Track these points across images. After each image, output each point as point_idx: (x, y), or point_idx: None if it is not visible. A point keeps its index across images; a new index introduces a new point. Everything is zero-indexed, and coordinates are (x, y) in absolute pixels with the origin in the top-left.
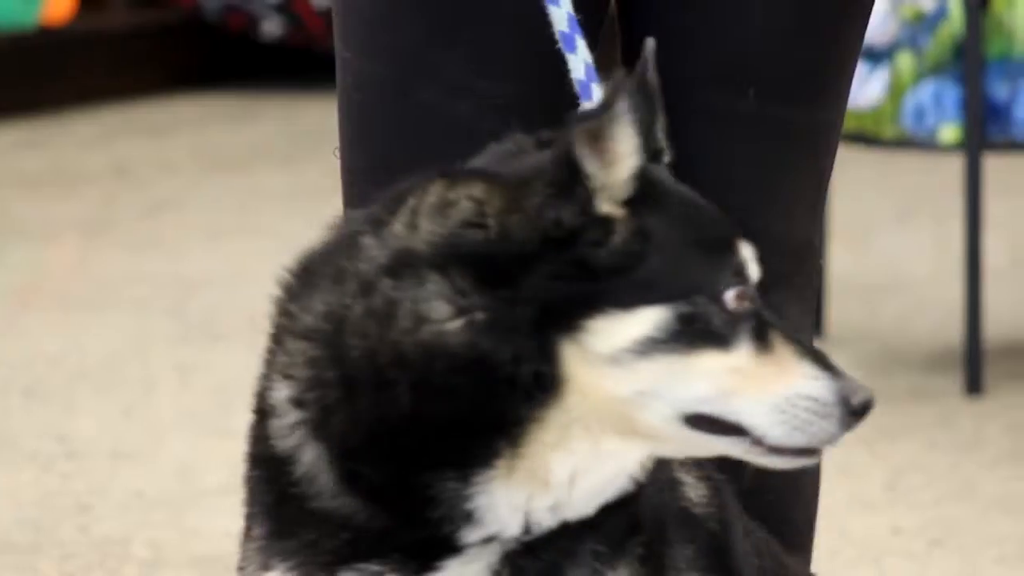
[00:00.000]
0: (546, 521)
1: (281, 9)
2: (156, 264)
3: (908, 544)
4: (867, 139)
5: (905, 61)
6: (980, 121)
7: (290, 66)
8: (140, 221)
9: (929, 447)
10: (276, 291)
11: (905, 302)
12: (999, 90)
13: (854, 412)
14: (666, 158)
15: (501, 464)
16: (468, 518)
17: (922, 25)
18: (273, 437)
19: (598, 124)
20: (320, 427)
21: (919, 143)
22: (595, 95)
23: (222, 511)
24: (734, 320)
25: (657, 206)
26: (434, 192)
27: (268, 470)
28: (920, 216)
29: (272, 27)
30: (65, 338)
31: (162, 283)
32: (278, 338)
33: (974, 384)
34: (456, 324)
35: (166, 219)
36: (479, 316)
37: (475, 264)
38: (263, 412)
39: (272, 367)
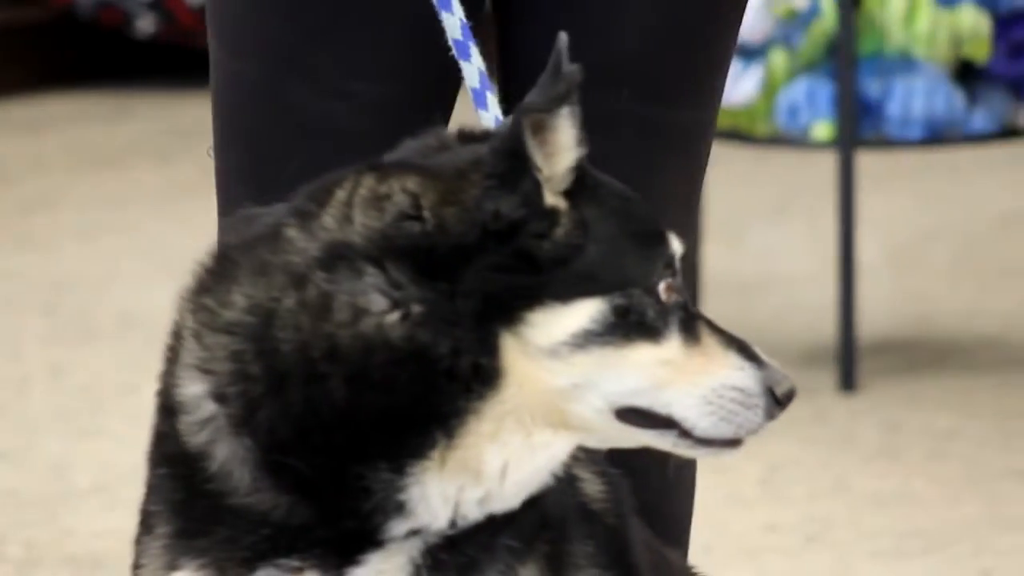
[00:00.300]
0: (474, 513)
1: (154, 6)
2: (29, 262)
3: (783, 540)
4: (741, 136)
5: (778, 58)
6: (853, 118)
7: (164, 63)
8: (13, 219)
9: (803, 443)
10: (186, 286)
11: (779, 299)
12: (871, 87)
13: (778, 401)
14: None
15: (435, 455)
16: (399, 510)
17: (795, 23)
18: (183, 434)
19: (546, 116)
20: (244, 422)
21: (792, 140)
22: (490, 103)
23: (96, 510)
24: (665, 312)
25: (593, 198)
26: (366, 185)
27: (176, 467)
28: (794, 213)
29: (145, 24)
30: None
31: (34, 281)
32: (192, 333)
33: (848, 381)
34: (393, 317)
35: (39, 217)
36: (416, 309)
37: (412, 256)
38: (169, 409)
39: (178, 363)
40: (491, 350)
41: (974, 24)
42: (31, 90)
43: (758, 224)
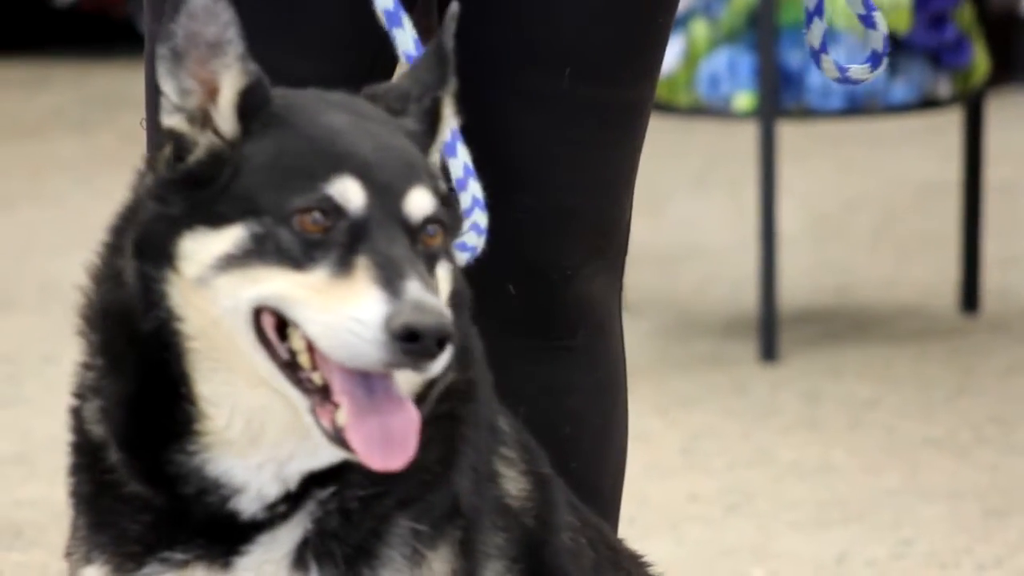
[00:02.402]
0: (293, 475)
1: None
2: None
3: (704, 509)
4: (662, 107)
5: (699, 29)
6: (774, 88)
7: (83, 32)
8: None
9: (724, 414)
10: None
11: (702, 269)
12: (792, 58)
13: (396, 336)
14: (452, 124)
15: (200, 428)
16: (220, 487)
17: None
18: (87, 421)
19: (169, 50)
20: (104, 413)
21: (714, 110)
22: None
23: (15, 480)
24: (310, 244)
25: (265, 134)
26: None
27: (84, 457)
28: (716, 183)
29: None
30: None
31: None
32: (83, 321)
33: (769, 351)
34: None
35: None
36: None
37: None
38: (81, 396)
39: (84, 350)
40: (160, 295)
41: None
42: None
43: (679, 195)
